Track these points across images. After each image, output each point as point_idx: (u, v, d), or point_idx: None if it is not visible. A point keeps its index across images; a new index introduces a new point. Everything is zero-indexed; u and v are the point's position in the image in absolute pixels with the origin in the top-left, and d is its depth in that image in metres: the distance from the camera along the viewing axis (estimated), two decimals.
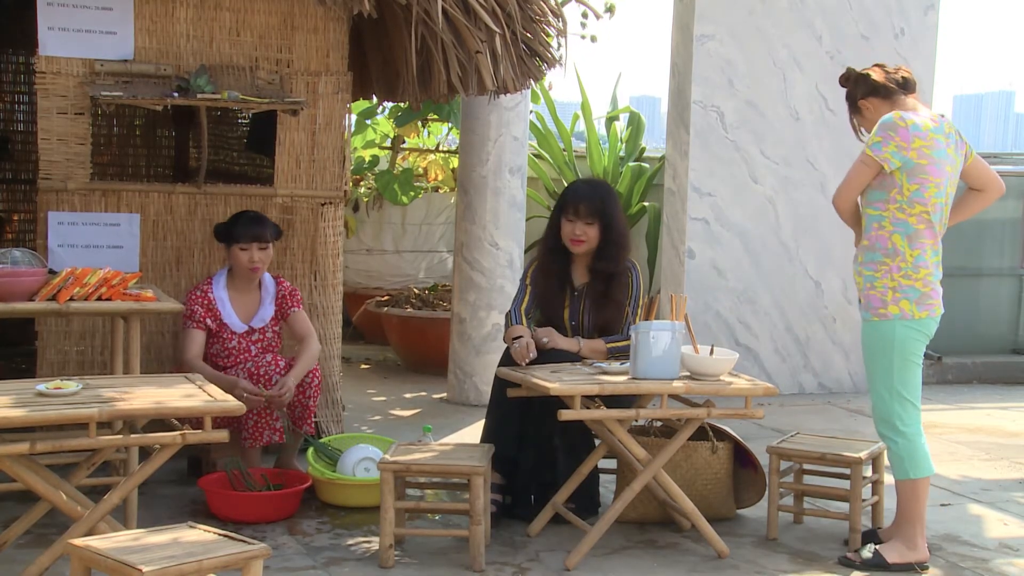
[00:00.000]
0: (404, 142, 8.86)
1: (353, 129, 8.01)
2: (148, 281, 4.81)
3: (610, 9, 6.94)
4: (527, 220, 6.83)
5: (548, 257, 4.59)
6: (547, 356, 4.43)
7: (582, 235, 4.50)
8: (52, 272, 4.28)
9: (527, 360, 4.30)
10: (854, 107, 4.10)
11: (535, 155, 8.70)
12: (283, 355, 4.81)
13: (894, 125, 3.88)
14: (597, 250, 4.53)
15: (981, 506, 4.96)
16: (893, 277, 3.94)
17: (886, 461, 4.76)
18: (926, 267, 3.96)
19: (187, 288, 5.01)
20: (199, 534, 3.02)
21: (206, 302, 4.69)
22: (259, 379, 4.61)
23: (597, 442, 4.40)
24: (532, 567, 4.03)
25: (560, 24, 5.56)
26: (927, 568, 4.06)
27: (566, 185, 4.86)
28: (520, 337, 4.38)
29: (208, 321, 4.69)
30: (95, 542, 2.93)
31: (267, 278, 4.84)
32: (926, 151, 3.88)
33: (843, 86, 4.13)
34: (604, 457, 4.43)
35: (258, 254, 4.71)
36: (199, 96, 4.76)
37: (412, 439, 4.67)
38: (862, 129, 4.13)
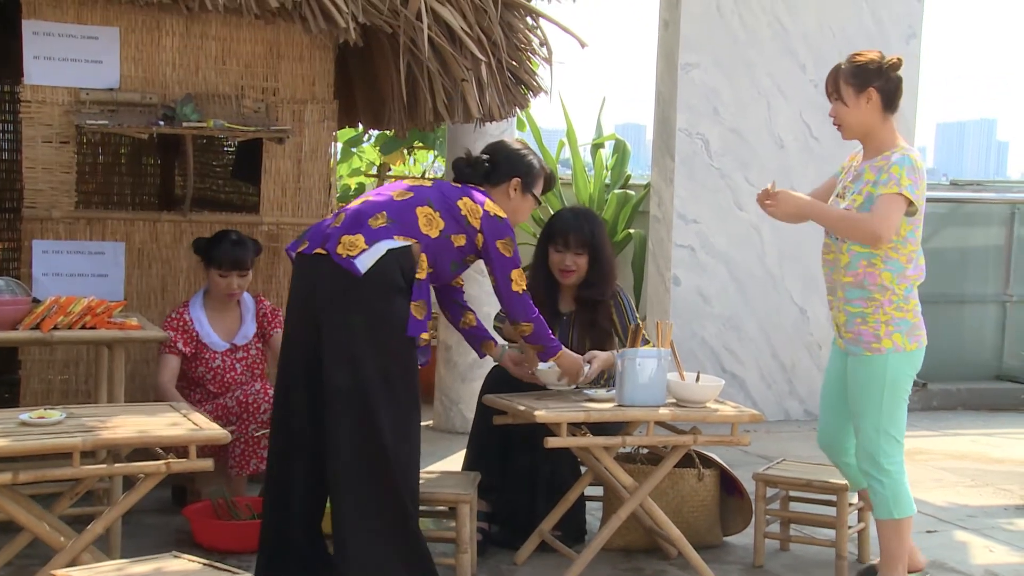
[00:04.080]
0: (390, 169, 8.87)
1: (339, 157, 8.03)
2: (133, 309, 4.80)
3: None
4: None
5: (535, 286, 4.56)
6: (526, 383, 4.43)
7: (572, 265, 4.51)
8: (36, 301, 4.27)
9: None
10: (860, 86, 3.82)
11: None
12: (269, 379, 4.80)
13: (916, 168, 3.77)
14: (585, 279, 4.54)
15: (967, 532, 4.96)
16: (886, 311, 3.84)
17: None
18: (914, 297, 3.89)
19: None
20: (184, 564, 3.00)
21: (181, 324, 4.70)
22: (247, 407, 4.59)
23: (583, 469, 4.39)
24: None
25: (545, 52, 5.59)
26: None
27: (552, 213, 4.86)
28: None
29: (180, 345, 4.68)
30: (78, 573, 2.91)
31: (246, 296, 4.83)
32: (925, 193, 3.84)
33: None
34: (590, 484, 4.42)
35: (237, 281, 4.71)
36: (185, 124, 4.77)
37: None
38: (834, 103, 3.88)
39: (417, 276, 3.71)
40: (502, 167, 4.07)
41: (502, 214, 3.90)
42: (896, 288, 3.84)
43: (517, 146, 4.19)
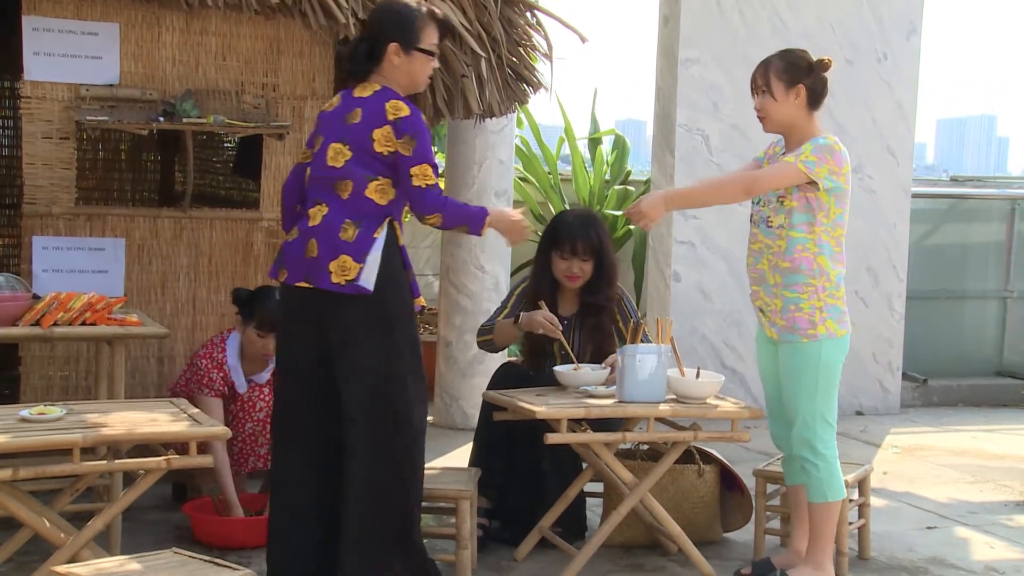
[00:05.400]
0: None
1: None
2: (133, 306, 4.79)
3: None
4: None
5: (539, 289, 4.55)
6: (534, 380, 4.43)
7: (579, 272, 4.50)
8: (36, 297, 4.26)
9: (558, 325, 4.32)
10: (791, 82, 3.92)
11: (520, 178, 8.72)
12: None
13: (830, 148, 3.87)
14: (589, 283, 4.53)
15: (967, 529, 4.96)
16: (820, 297, 3.91)
17: (873, 484, 4.78)
18: (843, 284, 3.98)
19: (172, 312, 4.99)
20: (183, 560, 3.00)
21: (222, 375, 4.56)
22: (244, 405, 4.58)
23: (584, 465, 4.39)
24: None
25: (546, 48, 5.59)
26: None
27: (555, 214, 4.82)
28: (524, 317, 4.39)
29: (226, 389, 4.59)
30: (78, 569, 2.91)
31: None
32: (849, 177, 3.92)
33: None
34: (591, 481, 4.42)
35: (274, 343, 4.48)
36: (185, 120, 4.76)
37: None
38: (761, 96, 3.96)
39: (400, 243, 3.68)
40: (376, 39, 3.71)
41: (403, 112, 3.62)
42: (830, 274, 3.92)
43: (387, 5, 3.77)
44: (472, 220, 3.76)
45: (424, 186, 3.64)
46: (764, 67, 3.99)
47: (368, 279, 3.59)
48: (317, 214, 3.67)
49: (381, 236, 3.63)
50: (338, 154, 3.68)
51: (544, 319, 4.34)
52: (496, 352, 4.81)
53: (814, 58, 3.99)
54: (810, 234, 3.90)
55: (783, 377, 4.01)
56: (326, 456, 3.70)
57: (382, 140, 3.63)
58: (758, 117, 4.02)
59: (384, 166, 3.65)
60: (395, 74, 3.72)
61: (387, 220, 3.65)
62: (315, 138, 3.81)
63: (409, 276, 3.71)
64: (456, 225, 3.79)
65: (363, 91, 3.72)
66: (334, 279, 3.57)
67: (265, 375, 4.67)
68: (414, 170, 3.64)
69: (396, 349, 3.65)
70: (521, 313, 4.45)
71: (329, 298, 3.60)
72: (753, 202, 4.09)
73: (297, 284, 3.65)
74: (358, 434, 3.62)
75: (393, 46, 3.68)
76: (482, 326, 4.66)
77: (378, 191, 3.64)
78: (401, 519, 3.68)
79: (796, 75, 3.94)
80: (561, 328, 4.35)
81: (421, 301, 3.76)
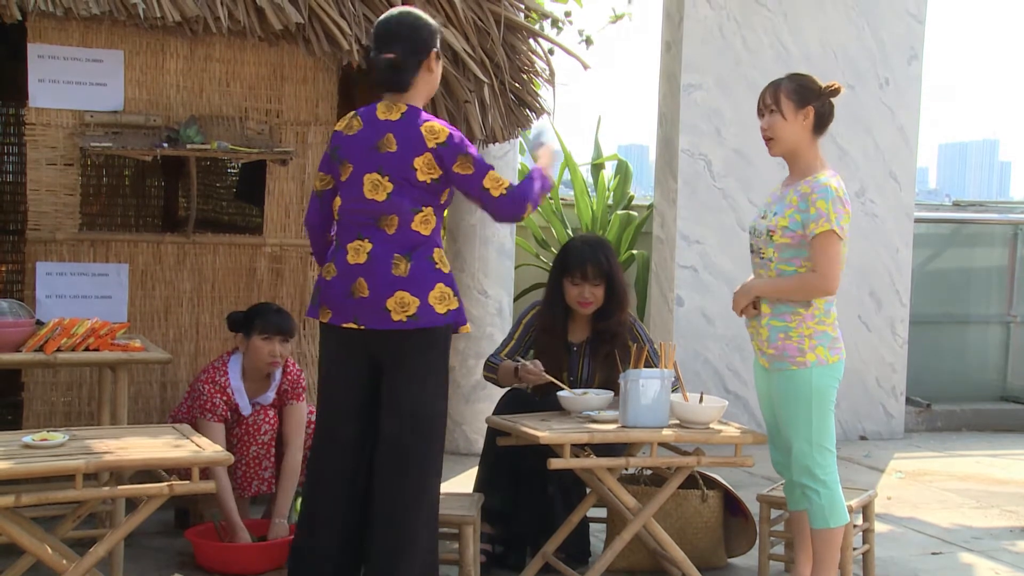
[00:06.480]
0: None
1: None
2: (136, 331, 4.80)
3: (587, 40, 7.62)
4: (516, 268, 6.84)
5: (550, 316, 4.56)
6: (539, 405, 4.42)
7: (591, 297, 4.50)
8: (39, 323, 4.27)
9: (541, 374, 4.31)
10: (800, 103, 3.95)
11: None
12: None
13: (839, 198, 3.88)
14: (601, 309, 4.53)
15: (972, 555, 4.94)
16: (808, 325, 3.90)
17: (877, 509, 4.76)
18: (834, 311, 3.97)
19: (175, 338, 4.99)
20: None
21: (225, 398, 4.54)
22: (248, 429, 4.57)
23: (588, 491, 4.38)
24: None
25: (548, 74, 5.61)
26: None
27: (559, 240, 4.83)
28: (518, 364, 4.39)
29: (228, 414, 4.58)
30: None
31: None
32: (850, 216, 3.93)
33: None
34: (594, 506, 4.41)
35: (280, 347, 4.54)
36: (188, 146, 4.78)
37: None
38: (770, 115, 3.98)
39: (448, 271, 3.68)
40: (418, 51, 3.67)
41: (442, 136, 3.59)
42: (818, 302, 3.91)
43: (411, 19, 3.74)
44: (545, 186, 3.77)
45: (505, 192, 3.64)
46: (774, 87, 4.02)
47: (439, 312, 3.58)
48: (360, 250, 3.61)
49: (434, 263, 3.61)
50: (377, 186, 3.61)
51: (526, 373, 4.34)
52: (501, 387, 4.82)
53: (823, 84, 4.00)
54: (800, 268, 3.91)
55: (777, 405, 4.00)
56: (358, 493, 3.72)
57: (424, 168, 3.59)
58: (764, 139, 4.02)
59: (427, 194, 3.62)
60: (424, 83, 3.72)
61: (437, 250, 3.63)
62: (339, 165, 3.72)
63: (457, 304, 3.69)
64: (542, 198, 3.78)
65: (388, 112, 3.67)
66: (395, 317, 3.53)
67: (270, 395, 4.66)
68: (486, 183, 3.62)
69: (444, 381, 3.68)
70: (520, 366, 4.41)
71: (384, 335, 3.57)
72: (750, 232, 4.11)
73: (344, 325, 3.61)
74: (398, 462, 3.61)
75: (434, 52, 3.71)
76: (489, 361, 4.63)
77: (423, 223, 3.61)
78: (431, 550, 3.72)
79: (806, 96, 3.97)
80: (544, 370, 4.33)
81: (467, 328, 3.75)
